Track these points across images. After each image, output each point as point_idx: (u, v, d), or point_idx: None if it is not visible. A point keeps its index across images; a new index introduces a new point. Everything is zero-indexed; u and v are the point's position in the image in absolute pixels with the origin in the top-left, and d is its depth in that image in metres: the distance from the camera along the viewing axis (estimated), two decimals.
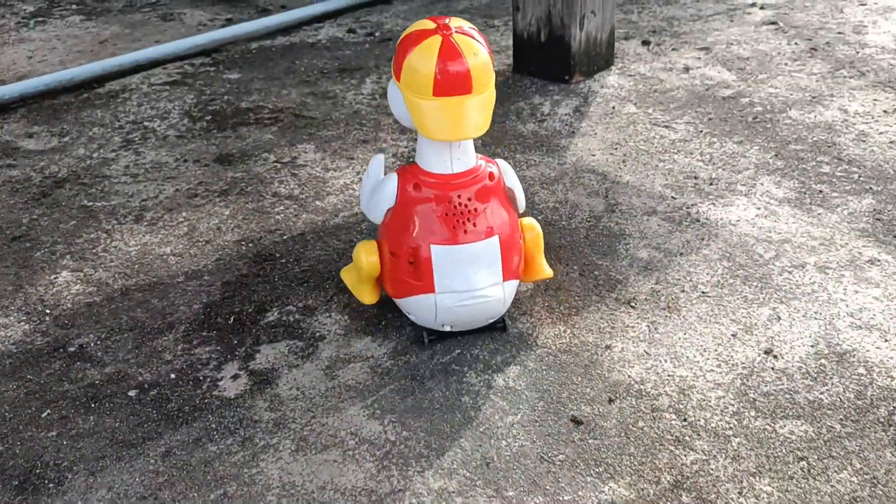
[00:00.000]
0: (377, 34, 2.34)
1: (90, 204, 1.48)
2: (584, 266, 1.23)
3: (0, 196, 1.52)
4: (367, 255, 1.09)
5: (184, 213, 1.43)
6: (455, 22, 1.01)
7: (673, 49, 2.13)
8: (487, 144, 1.65)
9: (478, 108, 1.00)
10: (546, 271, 1.13)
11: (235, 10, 2.62)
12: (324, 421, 0.97)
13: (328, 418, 0.97)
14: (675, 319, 1.11)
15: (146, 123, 1.80)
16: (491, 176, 1.06)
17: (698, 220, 1.34)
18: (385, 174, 1.12)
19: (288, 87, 1.98)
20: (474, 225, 1.04)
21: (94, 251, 1.33)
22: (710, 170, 1.51)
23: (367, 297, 1.13)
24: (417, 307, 1.07)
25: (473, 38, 1.00)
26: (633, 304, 1.14)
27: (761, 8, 2.43)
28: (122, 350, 1.10)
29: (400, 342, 1.09)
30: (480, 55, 0.99)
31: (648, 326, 1.10)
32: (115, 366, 1.07)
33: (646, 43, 2.18)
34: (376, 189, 1.08)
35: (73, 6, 2.66)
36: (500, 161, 1.10)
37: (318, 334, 1.11)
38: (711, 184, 1.46)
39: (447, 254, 1.03)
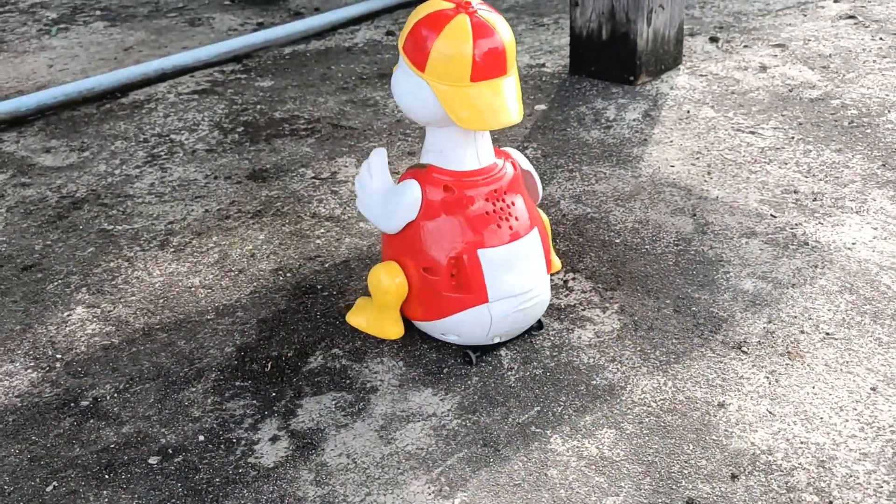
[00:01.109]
0: None
1: (110, 227, 1.33)
2: (679, 300, 1.05)
3: (13, 219, 1.38)
4: (391, 277, 0.94)
5: (214, 238, 1.28)
6: None
7: (745, 46, 1.93)
8: (549, 156, 1.47)
9: (515, 89, 0.89)
10: (557, 263, 1.08)
11: (267, 14, 2.47)
12: (381, 500, 0.80)
13: (386, 496, 0.80)
14: (799, 368, 0.93)
15: (173, 136, 1.65)
16: (514, 165, 0.96)
17: (807, 244, 1.15)
18: (389, 175, 0.99)
19: (324, 94, 1.82)
20: (517, 219, 0.92)
21: (113, 283, 1.18)
22: (810, 182, 1.31)
23: (393, 329, 0.99)
24: (467, 324, 0.93)
25: (495, 14, 0.89)
26: (744, 348, 0.96)
27: (835, 1, 2.22)
28: (143, 404, 0.94)
29: (466, 395, 0.92)
30: (507, 31, 0.89)
31: (767, 377, 0.92)
32: (133, 424, 0.91)
33: (714, 40, 1.99)
34: (392, 199, 0.94)
35: (97, 12, 2.54)
36: (508, 148, 1.00)
37: (368, 385, 0.95)
38: (815, 199, 1.26)
39: (499, 256, 0.91)
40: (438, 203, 0.92)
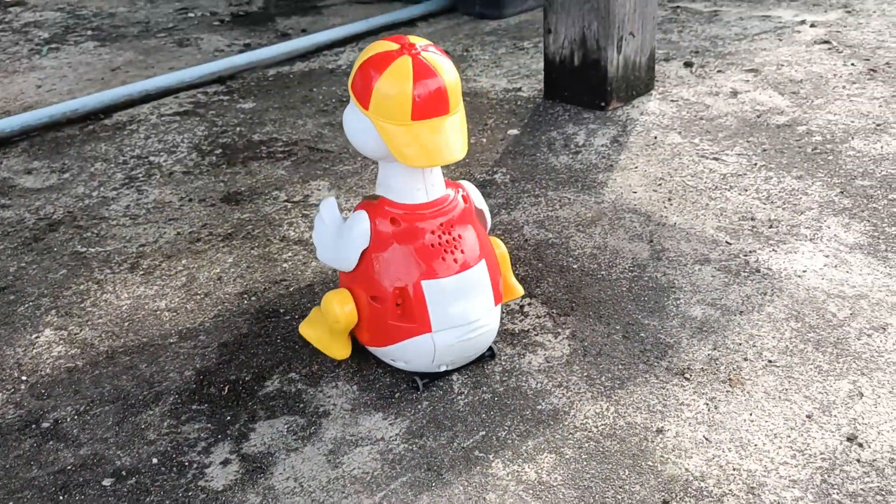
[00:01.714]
0: None
1: (83, 250, 1.36)
2: (629, 326, 1.07)
3: None
4: (341, 305, 0.98)
5: (183, 261, 1.31)
6: (416, 40, 0.92)
7: (718, 71, 1.97)
8: (517, 180, 1.50)
9: (458, 128, 0.92)
10: (518, 290, 1.07)
11: (254, 35, 2.52)
12: None
13: None
14: (739, 396, 0.95)
15: (152, 158, 1.69)
16: (465, 199, 0.99)
17: (758, 271, 1.18)
18: (340, 217, 1.02)
19: (304, 117, 1.86)
20: (462, 252, 0.95)
21: (81, 305, 1.21)
22: (768, 210, 1.34)
23: (340, 351, 1.03)
24: (411, 351, 0.96)
25: (440, 55, 0.92)
26: (687, 375, 0.98)
27: (812, 26, 2.26)
28: (101, 427, 0.97)
29: (415, 420, 0.95)
30: (451, 72, 0.92)
31: (707, 404, 0.94)
32: (91, 446, 0.94)
33: (688, 65, 2.02)
34: (344, 232, 0.97)
35: (89, 32, 2.58)
36: (463, 182, 1.02)
37: (321, 409, 0.97)
38: (771, 226, 1.29)
39: (441, 287, 0.93)
40: (386, 234, 0.95)
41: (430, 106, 0.89)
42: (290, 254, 1.31)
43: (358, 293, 0.99)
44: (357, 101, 0.92)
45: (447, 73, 0.90)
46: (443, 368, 0.98)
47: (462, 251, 0.95)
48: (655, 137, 1.63)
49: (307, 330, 1.07)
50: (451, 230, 0.95)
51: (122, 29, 2.61)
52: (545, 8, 1.79)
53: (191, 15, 2.72)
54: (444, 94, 0.90)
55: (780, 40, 2.17)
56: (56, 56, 2.41)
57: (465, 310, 0.94)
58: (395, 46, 0.90)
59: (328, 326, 1.02)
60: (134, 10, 2.79)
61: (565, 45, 1.78)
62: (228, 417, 0.97)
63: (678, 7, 2.48)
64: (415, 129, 0.89)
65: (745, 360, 1.01)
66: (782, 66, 1.98)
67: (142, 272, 1.28)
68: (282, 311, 1.17)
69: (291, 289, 1.22)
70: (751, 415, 0.92)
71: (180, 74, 2.05)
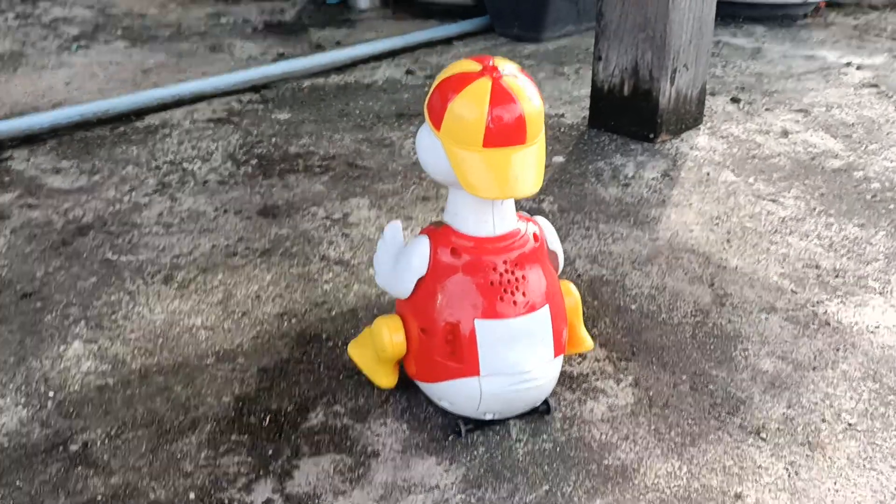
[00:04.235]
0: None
1: (114, 258, 1.30)
2: (696, 377, 1.01)
3: (16, 242, 1.35)
4: (391, 334, 0.92)
5: (220, 276, 1.25)
6: (501, 62, 0.86)
7: (766, 109, 1.92)
8: (566, 210, 1.44)
9: (533, 161, 0.85)
10: (588, 342, 1.00)
11: (288, 45, 2.47)
12: None
13: None
14: (820, 461, 0.89)
15: (185, 165, 1.63)
16: (535, 237, 0.92)
17: (828, 324, 1.12)
18: (405, 240, 0.96)
19: (341, 131, 1.80)
20: (523, 294, 0.88)
21: (112, 317, 1.15)
22: (832, 258, 1.28)
23: (385, 380, 0.96)
24: (456, 393, 0.89)
25: (525, 80, 0.85)
26: (763, 434, 0.92)
27: (858, 68, 2.21)
28: (134, 453, 0.90)
29: (472, 467, 0.88)
30: (534, 100, 0.85)
31: (787, 469, 0.88)
32: (122, 475, 0.87)
33: (735, 100, 1.97)
34: (402, 256, 0.92)
35: (119, 31, 2.54)
36: (539, 219, 0.95)
37: (370, 448, 0.91)
38: (837, 276, 1.23)
39: (494, 330, 0.87)
40: (446, 265, 0.89)
41: (504, 134, 0.83)
42: (330, 274, 1.25)
43: (409, 322, 0.93)
44: (430, 120, 0.87)
45: (529, 100, 0.84)
46: (489, 417, 0.91)
47: (524, 293, 0.88)
48: (708, 174, 1.57)
49: (355, 351, 1.01)
50: (515, 269, 0.88)
51: (152, 31, 2.57)
52: (596, 34, 1.75)
53: (223, 21, 2.68)
54: (521, 123, 0.84)
55: (827, 81, 2.12)
56: (86, 54, 2.36)
57: (518, 358, 0.87)
58: (476, 67, 0.85)
59: (376, 353, 0.96)
60: (165, 12, 2.75)
61: (615, 73, 1.73)
62: (270, 451, 0.90)
63: (720, 41, 2.44)
64: (486, 157, 0.83)
65: (823, 421, 0.94)
66: (832, 107, 1.93)
67: (176, 285, 1.22)
68: (324, 336, 1.11)
69: (333, 312, 1.16)
70: (835, 483, 0.86)
71: (215, 81, 2.00)
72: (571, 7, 2.50)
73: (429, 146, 0.87)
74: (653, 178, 1.56)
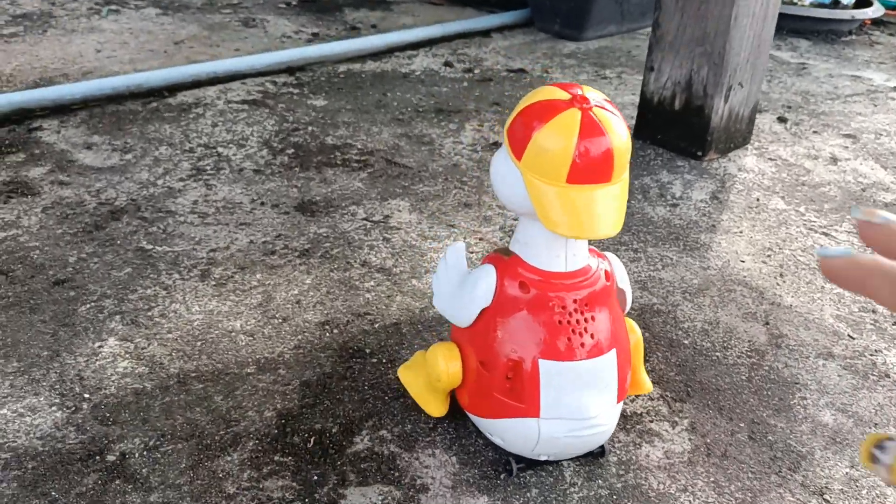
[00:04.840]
0: (476, 71, 2.12)
1: (149, 247, 1.26)
2: (754, 425, 0.98)
3: (47, 222, 1.31)
4: (447, 363, 0.88)
5: (258, 275, 1.20)
6: (589, 92, 0.80)
7: (814, 132, 1.87)
8: None
9: (616, 201, 0.80)
10: (647, 385, 0.96)
11: (322, 24, 2.41)
12: None
13: None
14: None
15: (220, 150, 1.58)
16: (607, 275, 0.87)
17: (888, 376, 1.08)
18: (467, 264, 0.92)
19: (379, 124, 1.75)
20: (592, 336, 0.84)
21: (149, 314, 1.11)
22: None
23: (436, 408, 0.93)
24: (512, 433, 0.86)
25: (613, 113, 0.80)
26: (827, 496, 0.89)
27: None
28: (174, 469, 0.87)
29: None
30: (623, 135, 0.79)
31: None
32: (162, 492, 0.84)
33: (782, 120, 1.92)
34: (467, 284, 0.87)
35: None
36: (609, 255, 0.91)
37: (419, 482, 0.87)
38: (895, 323, 1.20)
39: (559, 372, 0.83)
40: (512, 298, 0.85)
41: (590, 170, 0.78)
42: (372, 282, 1.21)
43: (467, 353, 0.89)
44: (510, 148, 0.82)
45: (618, 136, 0.79)
46: (543, 458, 0.88)
47: (592, 335, 0.84)
48: (758, 199, 1.53)
49: (406, 374, 0.97)
50: (585, 309, 0.84)
51: None
52: (650, 44, 1.69)
53: None
54: (609, 160, 0.79)
55: (875, 105, 2.07)
56: (116, 19, 2.30)
57: (582, 403, 0.83)
58: (564, 96, 0.80)
59: (428, 379, 0.92)
60: None
61: (668, 85, 1.68)
62: (315, 477, 0.87)
63: None
64: (568, 194, 0.78)
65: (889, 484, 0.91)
66: (881, 135, 1.89)
67: (213, 282, 1.18)
68: (367, 351, 1.07)
69: (376, 325, 1.12)
70: None
71: (250, 60, 1.95)
72: (615, 7, 2.44)
73: (506, 174, 0.83)
74: (701, 200, 1.51)
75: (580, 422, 0.84)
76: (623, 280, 0.91)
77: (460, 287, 0.89)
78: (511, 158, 0.82)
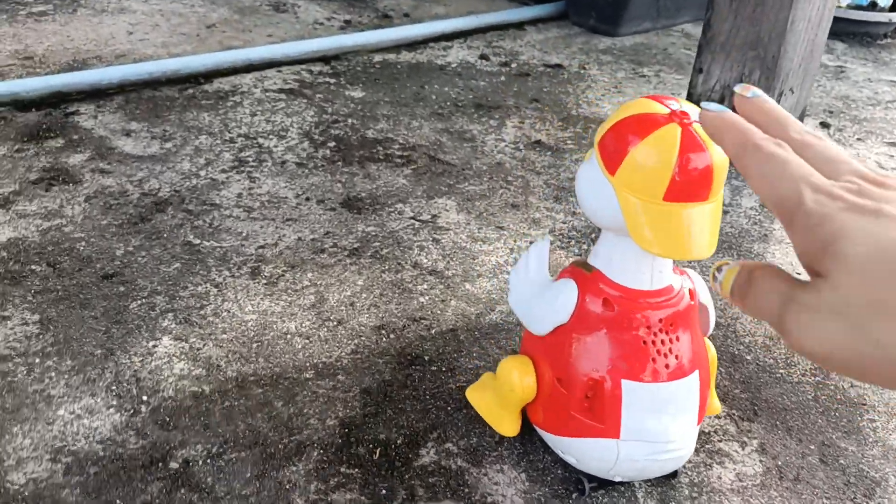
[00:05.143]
0: (513, 65, 2.08)
1: (197, 242, 1.23)
2: (825, 448, 0.96)
3: (92, 212, 1.28)
4: (521, 376, 0.86)
5: (309, 274, 1.18)
6: (686, 105, 0.77)
7: (858, 139, 1.84)
8: None
9: (711, 220, 0.77)
10: (717, 406, 0.95)
11: (354, 11, 2.37)
12: None
13: None
14: None
15: (261, 140, 1.55)
16: (692, 294, 0.85)
17: None
18: (548, 268, 0.89)
19: (419, 118, 1.72)
20: (676, 358, 0.81)
21: (201, 312, 1.08)
22: None
23: (509, 427, 0.91)
24: (588, 452, 0.84)
25: None
26: None
27: None
28: (239, 478, 0.85)
29: None
30: (720, 152, 0.75)
31: None
32: (229, 503, 0.82)
33: (825, 125, 1.90)
34: (547, 296, 0.85)
35: None
36: (691, 272, 0.88)
37: (489, 499, 0.85)
38: None
39: (642, 393, 0.80)
40: (594, 315, 0.82)
41: (689, 188, 0.75)
42: (425, 285, 1.18)
43: (542, 368, 0.87)
44: (603, 162, 0.79)
45: (718, 152, 0.77)
46: (617, 479, 0.86)
47: (676, 356, 0.82)
48: None
49: (475, 395, 0.95)
50: (669, 329, 0.82)
51: None
52: (700, 45, 1.66)
53: None
54: (708, 178, 0.76)
55: None
56: (147, 0, 2.25)
57: (663, 425, 0.81)
58: (663, 110, 0.77)
59: (500, 396, 0.90)
60: None
61: (716, 88, 1.65)
62: (384, 491, 0.85)
63: None
64: (663, 211, 0.76)
65: None
66: None
67: (264, 281, 1.15)
68: (426, 357, 1.04)
69: (433, 331, 1.09)
70: None
71: (285, 48, 1.91)
72: (652, 3, 2.40)
73: (596, 188, 0.80)
74: (751, 208, 1.49)
75: (660, 444, 0.82)
76: (706, 297, 0.88)
77: (539, 296, 0.86)
78: (603, 172, 0.79)
